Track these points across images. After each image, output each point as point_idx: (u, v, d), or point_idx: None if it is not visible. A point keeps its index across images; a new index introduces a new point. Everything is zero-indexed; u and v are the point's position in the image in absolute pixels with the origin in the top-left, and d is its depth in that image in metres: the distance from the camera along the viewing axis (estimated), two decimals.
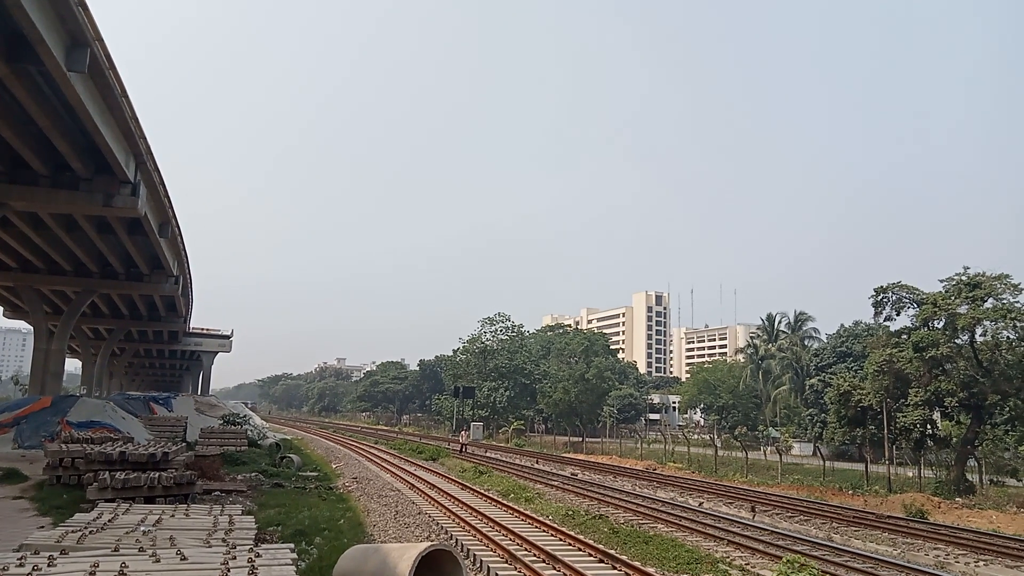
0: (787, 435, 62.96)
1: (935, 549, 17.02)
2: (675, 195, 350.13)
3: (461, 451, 44.67)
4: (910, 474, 35.95)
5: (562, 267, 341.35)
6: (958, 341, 32.78)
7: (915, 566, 14.59)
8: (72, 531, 8.61)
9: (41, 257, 36.58)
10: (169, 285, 41.54)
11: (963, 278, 32.70)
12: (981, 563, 15.51)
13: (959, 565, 15.32)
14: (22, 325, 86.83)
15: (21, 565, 6.43)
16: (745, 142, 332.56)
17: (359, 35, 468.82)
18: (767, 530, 18.68)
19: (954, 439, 34.23)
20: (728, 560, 14.31)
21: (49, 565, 6.50)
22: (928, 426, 34.12)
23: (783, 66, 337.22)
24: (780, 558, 13.84)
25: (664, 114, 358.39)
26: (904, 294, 35.00)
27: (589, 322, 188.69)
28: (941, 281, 33.86)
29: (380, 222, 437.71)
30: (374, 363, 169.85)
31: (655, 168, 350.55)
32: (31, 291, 41.06)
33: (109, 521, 9.55)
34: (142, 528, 9.09)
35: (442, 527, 16.38)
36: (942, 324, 32.94)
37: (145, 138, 24.40)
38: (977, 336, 32.32)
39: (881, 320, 36.64)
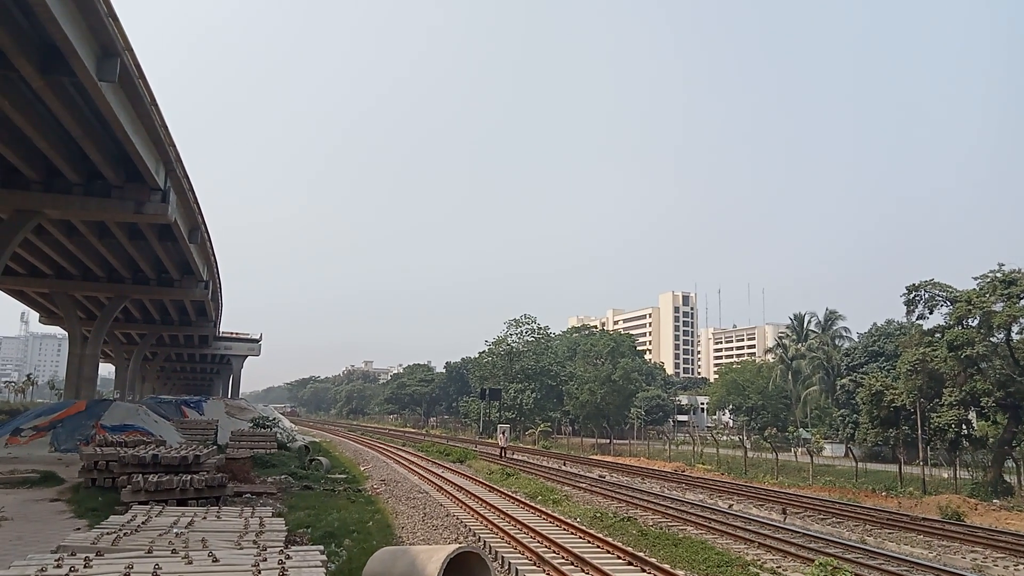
0: (818, 436, 62.01)
1: (972, 552, 16.67)
2: (702, 195, 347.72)
3: (501, 455, 42.60)
4: (945, 475, 35.22)
5: (588, 268, 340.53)
6: (994, 339, 32.14)
7: (951, 569, 14.29)
8: (107, 533, 8.74)
9: (75, 264, 37.37)
10: (199, 290, 42.20)
11: (998, 275, 32.02)
12: (1021, 566, 15.13)
13: (997, 568, 14.98)
14: (57, 331, 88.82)
15: (59, 566, 6.55)
16: (773, 141, 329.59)
17: (391, 66, 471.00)
18: (799, 532, 18.44)
19: (991, 439, 33.54)
20: (759, 563, 14.12)
21: (85, 566, 6.61)
22: (963, 426, 33.47)
23: (808, 69, 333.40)
24: (812, 561, 13.66)
25: (691, 115, 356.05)
26: (937, 292, 34.40)
27: (615, 323, 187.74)
28: (975, 278, 33.28)
29: (413, 238, 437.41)
30: (401, 366, 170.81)
31: (682, 168, 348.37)
32: (65, 297, 41.98)
33: (143, 523, 9.68)
34: (175, 530, 9.20)
35: (470, 529, 16.39)
36: (977, 322, 32.33)
37: (175, 146, 24.82)
38: (1013, 334, 31.67)
39: (914, 319, 36.11)
